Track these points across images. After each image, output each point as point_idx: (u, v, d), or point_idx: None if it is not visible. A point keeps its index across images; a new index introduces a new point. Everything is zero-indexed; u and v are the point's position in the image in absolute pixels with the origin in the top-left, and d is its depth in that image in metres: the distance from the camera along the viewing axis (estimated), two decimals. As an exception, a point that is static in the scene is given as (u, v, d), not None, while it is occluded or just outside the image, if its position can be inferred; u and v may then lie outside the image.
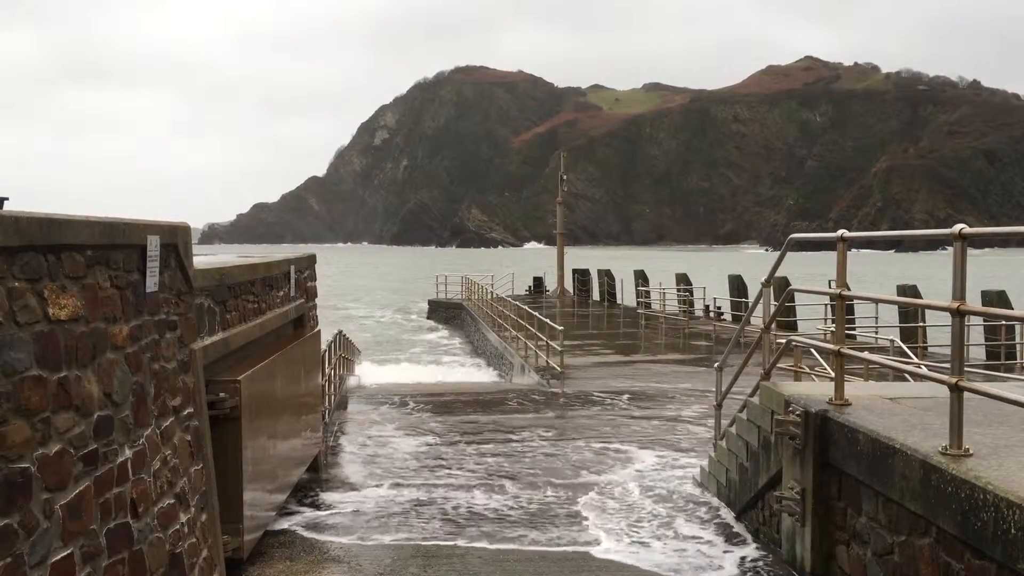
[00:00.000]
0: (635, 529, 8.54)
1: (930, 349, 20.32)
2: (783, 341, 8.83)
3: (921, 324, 20.10)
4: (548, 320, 20.16)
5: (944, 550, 4.82)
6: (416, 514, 9.12)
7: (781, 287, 15.69)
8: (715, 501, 9.28)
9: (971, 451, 5.00)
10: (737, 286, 32.23)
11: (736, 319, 30.29)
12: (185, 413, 5.63)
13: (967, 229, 4.88)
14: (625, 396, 16.47)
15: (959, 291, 4.91)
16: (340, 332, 19.55)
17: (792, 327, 23.75)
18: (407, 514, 9.12)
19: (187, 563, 5.30)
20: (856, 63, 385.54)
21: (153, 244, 4.99)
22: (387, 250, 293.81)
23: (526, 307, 24.90)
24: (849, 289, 6.83)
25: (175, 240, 5.53)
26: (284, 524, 8.65)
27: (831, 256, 7.07)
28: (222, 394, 6.53)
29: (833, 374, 6.96)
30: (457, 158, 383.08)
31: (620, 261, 64.93)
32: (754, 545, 7.93)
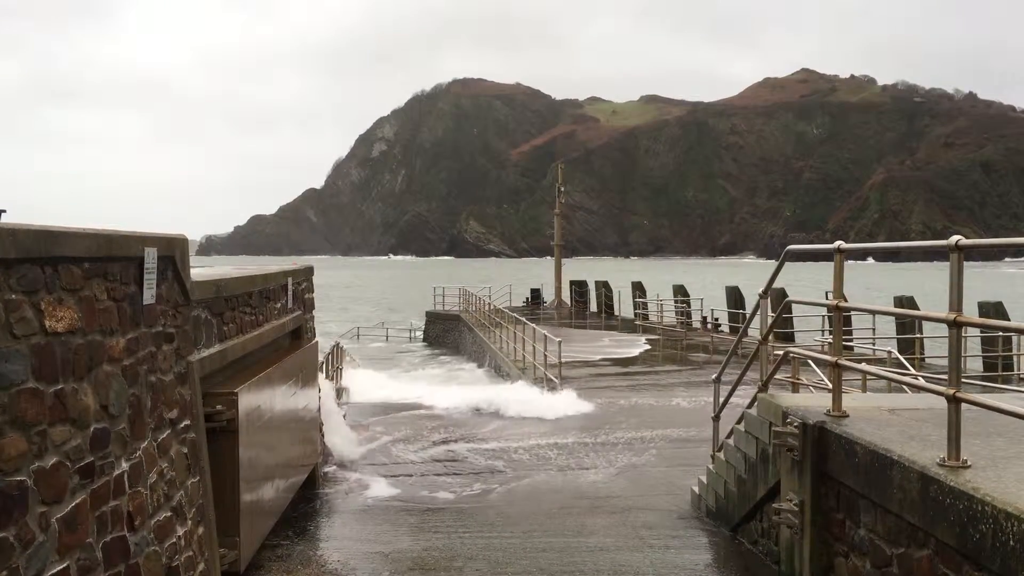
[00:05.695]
0: (631, 540, 8.51)
1: (927, 360, 20.32)
2: (780, 352, 8.82)
3: (918, 335, 20.11)
4: (546, 332, 20.14)
5: (943, 562, 4.81)
6: (415, 525, 9.09)
7: (778, 298, 15.71)
8: (713, 513, 9.25)
9: (969, 463, 4.99)
10: (734, 297, 32.23)
11: (733, 330, 30.30)
12: (182, 425, 5.62)
13: (964, 240, 4.88)
14: (622, 405, 16.44)
15: (956, 302, 4.91)
16: (337, 344, 19.54)
17: (790, 338, 23.74)
18: (406, 525, 9.09)
19: (183, 576, 5.28)
20: (852, 75, 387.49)
21: (150, 256, 4.99)
22: (384, 262, 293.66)
23: (524, 318, 24.89)
24: (846, 300, 6.83)
25: (172, 252, 5.53)
26: (281, 536, 8.62)
27: (828, 267, 7.08)
28: (219, 406, 6.51)
29: (831, 385, 6.95)
30: (455, 170, 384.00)
31: (618, 273, 64.96)
32: (751, 557, 7.91)
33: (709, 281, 68.63)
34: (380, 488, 10.79)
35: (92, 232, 4.22)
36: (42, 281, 3.69)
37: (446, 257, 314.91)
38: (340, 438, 12.80)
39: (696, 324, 33.72)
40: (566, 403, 16.84)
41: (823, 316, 22.16)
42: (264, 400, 7.68)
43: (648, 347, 27.49)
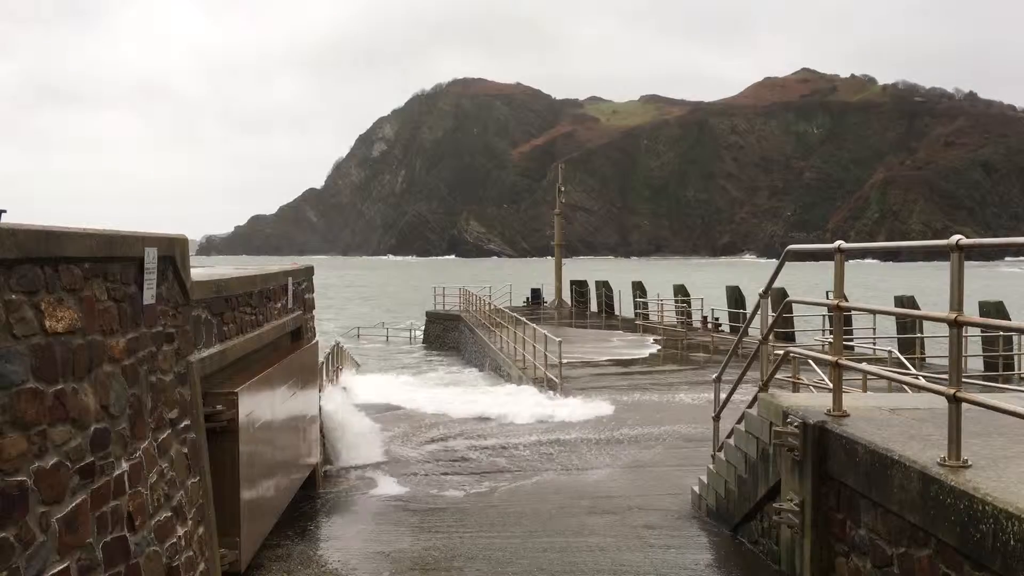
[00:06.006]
0: (631, 540, 8.51)
1: (928, 360, 20.32)
2: (781, 352, 8.82)
3: (919, 335, 20.10)
4: (547, 332, 20.15)
5: (943, 561, 4.81)
6: (416, 525, 9.09)
7: (779, 298, 15.71)
8: (713, 512, 9.25)
9: (969, 462, 4.99)
10: (735, 297, 32.21)
11: (734, 330, 30.29)
12: (182, 426, 5.62)
13: (964, 240, 4.88)
14: (625, 404, 16.44)
15: (957, 302, 4.91)
16: (338, 344, 19.54)
17: (790, 338, 23.73)
18: (407, 524, 9.09)
19: (184, 576, 5.28)
20: (852, 75, 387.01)
21: (151, 256, 4.99)
22: (384, 262, 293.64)
23: (524, 318, 24.89)
24: (847, 300, 6.83)
25: (173, 252, 5.53)
26: (281, 536, 8.62)
27: (829, 267, 7.07)
28: (219, 406, 6.51)
29: (831, 385, 6.95)
30: (455, 170, 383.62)
31: (618, 273, 65.00)
32: (752, 557, 7.90)
33: (709, 281, 68.61)
34: (381, 488, 10.80)
35: (92, 232, 4.21)
36: (42, 281, 3.69)
37: (447, 257, 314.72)
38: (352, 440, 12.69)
39: (696, 324, 33.71)
40: (568, 403, 16.85)
41: (823, 316, 22.15)
42: (264, 400, 7.68)
43: (657, 348, 27.43)
